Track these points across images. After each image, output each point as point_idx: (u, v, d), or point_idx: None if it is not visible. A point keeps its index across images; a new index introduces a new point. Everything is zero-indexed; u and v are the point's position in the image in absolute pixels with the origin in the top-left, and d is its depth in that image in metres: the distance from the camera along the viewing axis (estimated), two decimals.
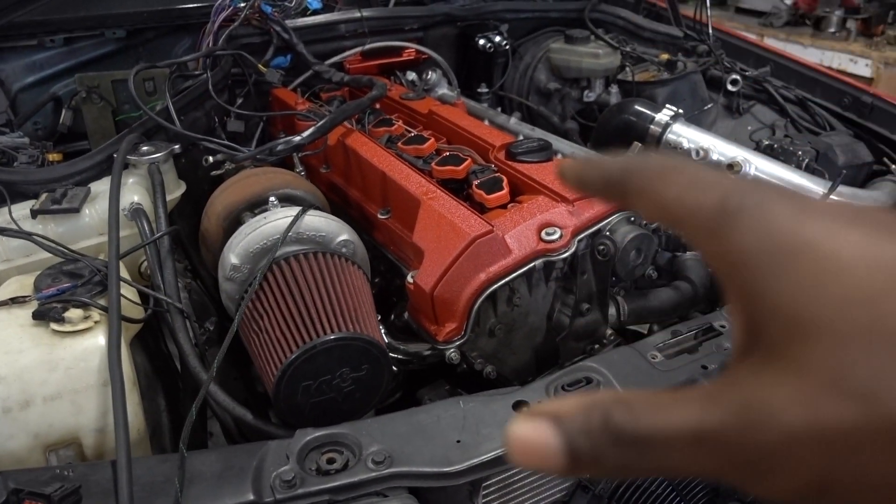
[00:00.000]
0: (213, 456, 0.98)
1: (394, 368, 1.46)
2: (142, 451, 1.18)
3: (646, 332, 1.60)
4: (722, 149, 1.88)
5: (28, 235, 1.29)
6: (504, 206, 1.40)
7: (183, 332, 1.25)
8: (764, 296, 0.32)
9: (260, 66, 1.89)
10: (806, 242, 0.31)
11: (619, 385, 1.08)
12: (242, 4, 1.96)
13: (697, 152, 1.88)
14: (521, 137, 1.88)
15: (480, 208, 1.42)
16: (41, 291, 1.19)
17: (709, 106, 2.31)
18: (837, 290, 0.30)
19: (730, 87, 2.36)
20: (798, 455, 0.29)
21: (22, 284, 1.24)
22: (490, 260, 1.26)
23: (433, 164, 1.54)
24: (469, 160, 1.54)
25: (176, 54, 2.23)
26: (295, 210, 1.33)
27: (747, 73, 2.39)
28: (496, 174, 1.47)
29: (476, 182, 1.45)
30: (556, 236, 1.29)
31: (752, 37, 4.84)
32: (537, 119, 2.45)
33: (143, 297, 1.30)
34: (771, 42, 5.10)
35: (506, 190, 1.41)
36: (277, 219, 1.30)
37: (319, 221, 1.33)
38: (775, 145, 1.95)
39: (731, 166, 1.81)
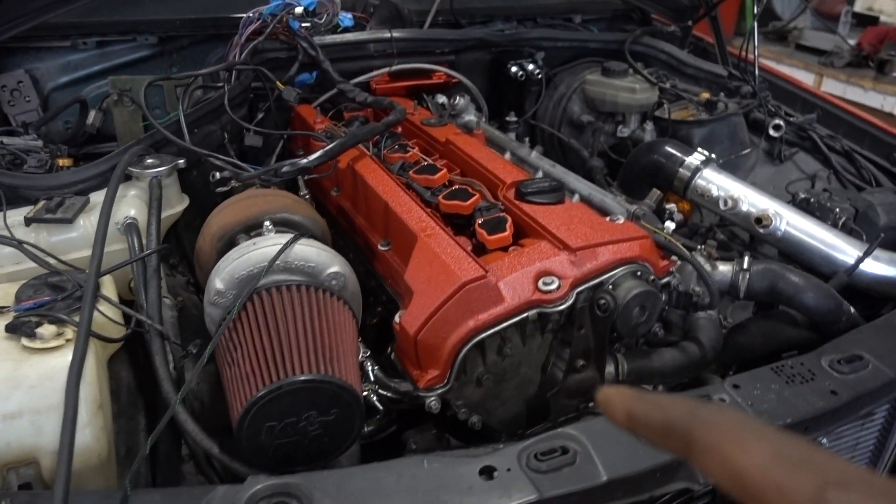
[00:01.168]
0: (158, 497, 0.94)
1: (380, 406, 1.42)
2: (103, 477, 1.14)
3: (651, 388, 1.52)
4: (753, 199, 1.78)
5: (17, 244, 1.28)
6: (505, 249, 1.34)
7: (160, 356, 1.22)
8: None
9: (279, 83, 1.86)
10: None
11: (597, 458, 1.00)
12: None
13: (726, 201, 1.78)
14: (539, 173, 1.82)
15: (482, 248, 1.36)
16: (20, 303, 1.18)
17: (747, 151, 2.20)
18: None
19: (772, 133, 2.25)
20: None
21: (5, 293, 1.23)
22: (480, 307, 1.20)
23: (440, 196, 1.49)
24: (477, 196, 1.48)
25: (209, 62, 2.22)
26: (286, 237, 1.29)
27: (792, 119, 2.28)
28: (501, 214, 1.41)
29: (479, 220, 1.39)
30: (553, 286, 1.22)
31: (804, 81, 4.67)
32: (567, 151, 2.38)
33: (127, 315, 1.28)
34: (831, 83, 4.92)
35: (508, 232, 1.35)
36: (266, 246, 1.26)
37: (309, 251, 1.28)
38: (812, 199, 1.84)
39: (760, 220, 1.71)
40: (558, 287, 1.22)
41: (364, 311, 1.62)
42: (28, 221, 1.32)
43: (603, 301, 1.25)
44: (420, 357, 1.21)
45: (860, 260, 1.61)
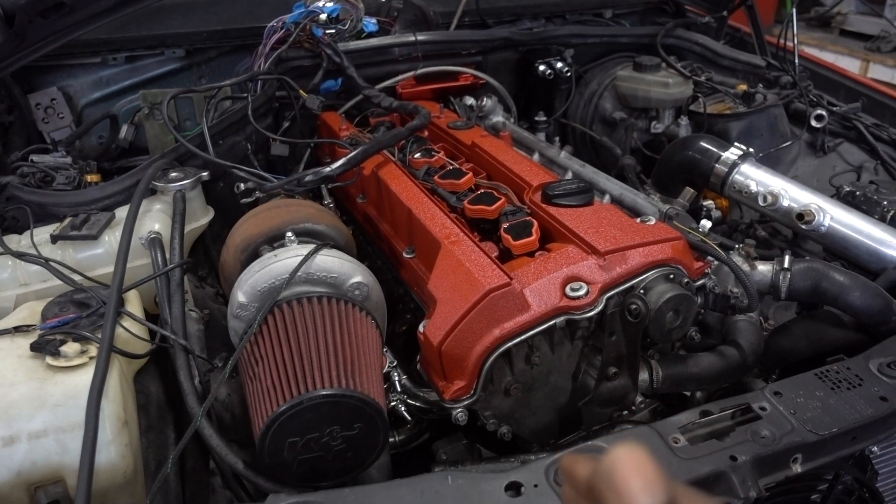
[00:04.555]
0: None
1: (408, 417, 1.39)
2: (129, 494, 1.14)
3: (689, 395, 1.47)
4: (794, 194, 1.71)
5: (44, 261, 1.28)
6: (531, 254, 1.30)
7: (184, 370, 1.21)
8: None
9: (302, 91, 1.85)
10: None
11: None
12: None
13: (765, 197, 1.71)
14: (569, 174, 1.78)
15: (508, 254, 1.33)
16: (46, 321, 1.18)
17: (787, 143, 2.12)
18: None
19: (814, 123, 2.17)
20: None
21: (32, 311, 1.24)
22: (505, 315, 1.16)
23: (465, 201, 1.46)
24: (503, 200, 1.44)
25: (237, 72, 2.23)
26: (308, 248, 1.27)
27: (835, 109, 2.19)
28: (527, 218, 1.37)
29: (505, 225, 1.35)
30: (581, 292, 1.18)
31: (850, 68, 4.49)
32: (600, 149, 2.32)
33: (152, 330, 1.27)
34: (878, 69, 4.73)
35: (534, 236, 1.31)
36: (288, 257, 1.24)
37: (331, 262, 1.26)
38: (857, 192, 1.75)
39: (802, 216, 1.63)
40: (587, 293, 1.18)
41: (393, 319, 1.60)
42: (54, 239, 1.33)
43: (634, 306, 1.20)
44: (445, 368, 1.18)
45: None
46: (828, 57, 5.13)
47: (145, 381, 1.35)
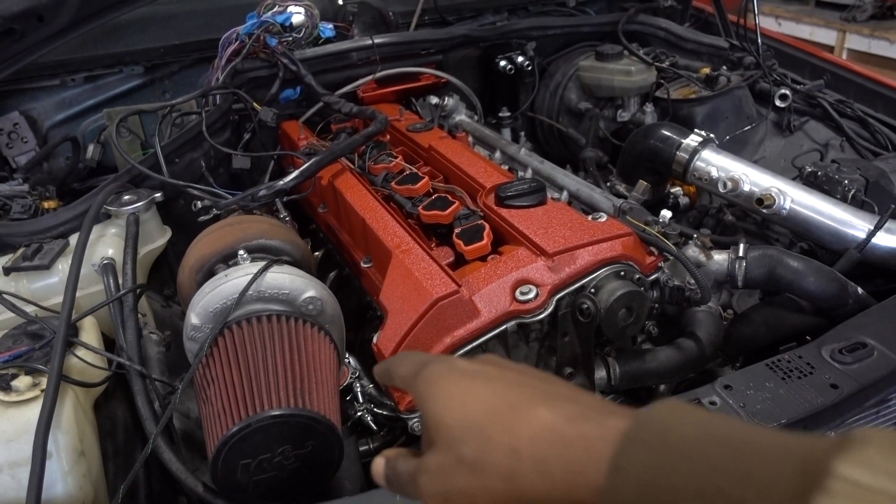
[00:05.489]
0: None
1: (374, 427, 1.40)
2: None
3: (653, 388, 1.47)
4: (755, 178, 1.70)
5: None
6: (484, 258, 1.30)
7: (142, 396, 1.22)
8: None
9: (255, 104, 1.84)
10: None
11: None
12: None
13: (725, 183, 1.70)
14: (529, 172, 1.78)
15: (463, 259, 1.33)
16: None
17: (750, 126, 2.11)
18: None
19: (779, 103, 2.16)
20: None
21: None
22: (456, 323, 1.16)
23: (420, 207, 1.45)
24: (457, 203, 1.44)
25: (200, 85, 2.22)
26: (259, 266, 1.26)
27: (798, 87, 2.18)
28: (479, 222, 1.37)
29: (457, 230, 1.35)
30: (531, 295, 1.18)
31: (826, 39, 4.42)
32: (568, 141, 2.32)
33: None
34: (855, 39, 4.70)
35: (486, 241, 1.31)
36: (238, 277, 1.24)
37: (283, 278, 1.26)
38: (819, 172, 1.74)
39: (762, 200, 1.63)
40: (536, 295, 1.18)
41: (364, 326, 1.60)
42: (6, 271, 1.33)
43: (585, 305, 1.20)
44: None
45: (871, 234, 1.52)
46: (804, 28, 5.11)
47: (111, 406, 1.35)
